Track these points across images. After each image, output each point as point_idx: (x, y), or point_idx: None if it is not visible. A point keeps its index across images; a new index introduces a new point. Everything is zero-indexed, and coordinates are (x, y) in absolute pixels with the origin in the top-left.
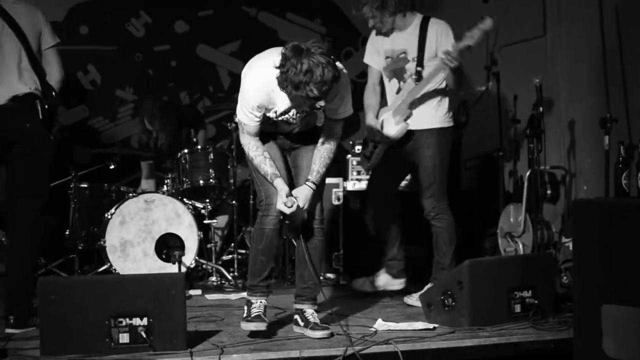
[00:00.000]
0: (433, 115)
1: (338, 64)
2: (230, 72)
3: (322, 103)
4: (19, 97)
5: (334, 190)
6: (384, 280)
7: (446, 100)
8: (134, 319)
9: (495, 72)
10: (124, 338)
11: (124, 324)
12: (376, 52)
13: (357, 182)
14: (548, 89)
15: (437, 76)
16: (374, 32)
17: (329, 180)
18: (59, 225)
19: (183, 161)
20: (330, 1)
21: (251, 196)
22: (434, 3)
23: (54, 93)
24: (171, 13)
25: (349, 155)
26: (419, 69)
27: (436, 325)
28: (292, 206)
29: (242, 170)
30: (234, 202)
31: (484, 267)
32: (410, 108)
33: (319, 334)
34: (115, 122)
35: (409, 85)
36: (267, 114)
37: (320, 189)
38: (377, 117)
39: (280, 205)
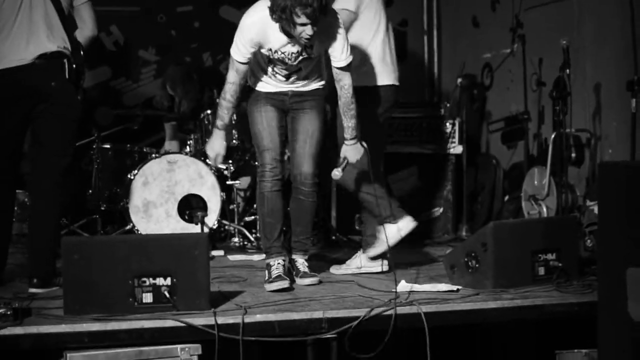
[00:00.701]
0: None
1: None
2: None
3: (308, 31)
4: (46, 55)
5: None
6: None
7: None
8: (157, 279)
9: (520, 35)
10: (148, 298)
11: (147, 283)
12: None
13: None
14: (574, 51)
15: None
16: None
17: None
18: (81, 186)
19: (206, 122)
20: None
21: None
22: None
23: (82, 51)
24: None
25: None
26: None
27: (460, 287)
28: (344, 166)
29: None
30: (256, 163)
31: (508, 229)
32: None
33: (307, 280)
34: (138, 83)
35: None
36: (262, 51)
37: (313, 148)
38: None
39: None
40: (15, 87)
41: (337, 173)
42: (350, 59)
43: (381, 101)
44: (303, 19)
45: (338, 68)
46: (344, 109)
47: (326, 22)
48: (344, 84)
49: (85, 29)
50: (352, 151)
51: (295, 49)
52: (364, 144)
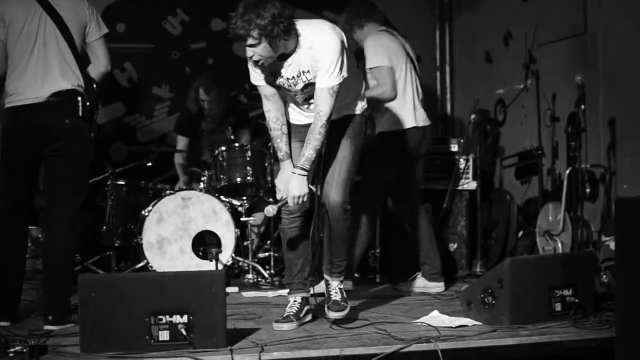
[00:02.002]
0: None
1: (329, 28)
2: None
3: (257, 52)
4: (60, 93)
5: None
6: (421, 284)
7: None
8: (174, 317)
9: (534, 70)
10: (164, 335)
11: (164, 321)
12: None
13: None
14: (588, 86)
15: None
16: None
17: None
18: (95, 222)
19: (220, 158)
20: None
21: None
22: (471, 2)
23: (95, 87)
24: (208, 11)
25: None
26: None
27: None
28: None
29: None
30: (270, 199)
31: (525, 265)
32: None
33: (333, 315)
34: (152, 119)
35: None
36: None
37: (343, 174)
38: None
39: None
40: (29, 125)
41: (270, 210)
42: (334, 83)
43: (408, 142)
44: (237, 31)
45: (318, 87)
46: (309, 135)
47: (309, 41)
48: (319, 109)
49: (99, 65)
50: (295, 183)
51: (289, 73)
52: (313, 188)
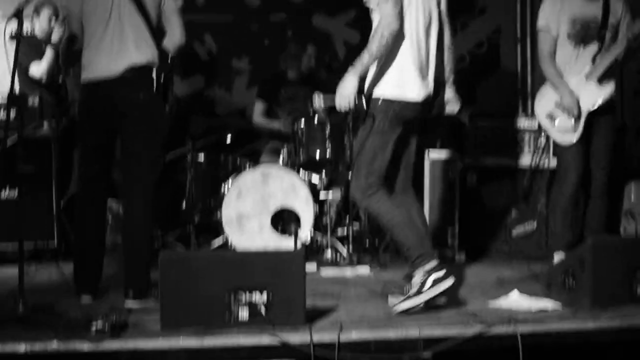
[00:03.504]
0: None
1: None
2: (346, 42)
3: None
4: (135, 68)
5: (452, 163)
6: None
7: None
8: (254, 294)
9: None
10: (244, 311)
11: (243, 299)
12: (556, 19)
13: (474, 156)
14: None
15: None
16: None
17: (444, 153)
18: (175, 196)
19: (300, 134)
20: None
21: None
22: None
23: (170, 60)
24: None
25: (467, 128)
26: (608, 34)
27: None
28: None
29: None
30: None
31: (607, 246)
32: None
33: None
34: (231, 92)
35: (592, 50)
36: None
37: (356, 164)
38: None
39: None
40: (104, 99)
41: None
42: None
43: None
44: None
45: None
46: None
47: None
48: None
49: (174, 37)
50: (342, 84)
51: None
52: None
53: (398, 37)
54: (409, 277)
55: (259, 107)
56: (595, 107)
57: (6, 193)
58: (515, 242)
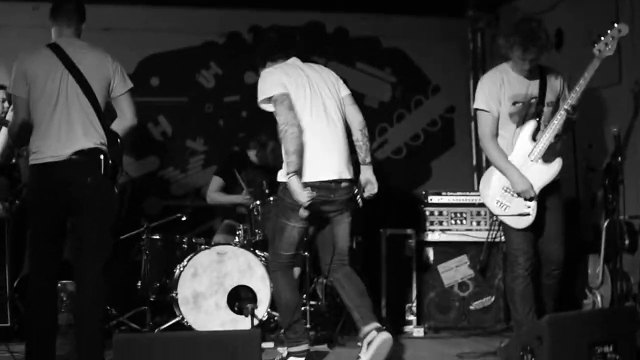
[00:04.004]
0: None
1: None
2: None
3: None
4: (83, 151)
5: (408, 241)
6: None
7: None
8: None
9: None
10: None
11: None
12: (496, 99)
13: (430, 233)
14: (625, 137)
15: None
16: (491, 78)
17: (400, 231)
18: (130, 276)
19: (255, 213)
20: (401, 50)
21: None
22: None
23: (119, 141)
24: (241, 64)
25: (422, 206)
26: (546, 110)
27: None
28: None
29: None
30: (305, 253)
31: (564, 321)
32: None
33: None
34: (186, 173)
35: (531, 127)
36: None
37: None
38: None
39: None
40: (52, 181)
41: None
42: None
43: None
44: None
45: None
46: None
47: None
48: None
49: (125, 120)
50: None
51: None
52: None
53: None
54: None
55: (215, 184)
56: (543, 186)
57: None
58: (473, 317)
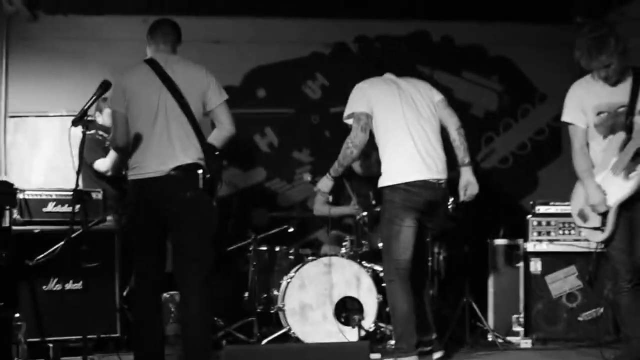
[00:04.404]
0: None
1: None
2: None
3: None
4: (182, 167)
5: (515, 251)
6: None
7: None
8: None
9: None
10: None
11: None
12: (580, 110)
13: (537, 243)
14: None
15: None
16: (575, 90)
17: (508, 241)
18: (238, 287)
19: (362, 224)
20: (507, 58)
21: (429, 257)
22: None
23: (217, 153)
24: (347, 74)
25: (529, 216)
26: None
27: None
28: None
29: None
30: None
31: None
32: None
33: None
34: (292, 184)
35: (619, 139)
36: None
37: None
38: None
39: None
40: (152, 197)
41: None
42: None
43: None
44: None
45: None
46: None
47: None
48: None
49: (223, 130)
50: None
51: None
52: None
53: (387, 134)
54: None
55: (322, 197)
56: (622, 201)
57: (70, 284)
58: (582, 328)
